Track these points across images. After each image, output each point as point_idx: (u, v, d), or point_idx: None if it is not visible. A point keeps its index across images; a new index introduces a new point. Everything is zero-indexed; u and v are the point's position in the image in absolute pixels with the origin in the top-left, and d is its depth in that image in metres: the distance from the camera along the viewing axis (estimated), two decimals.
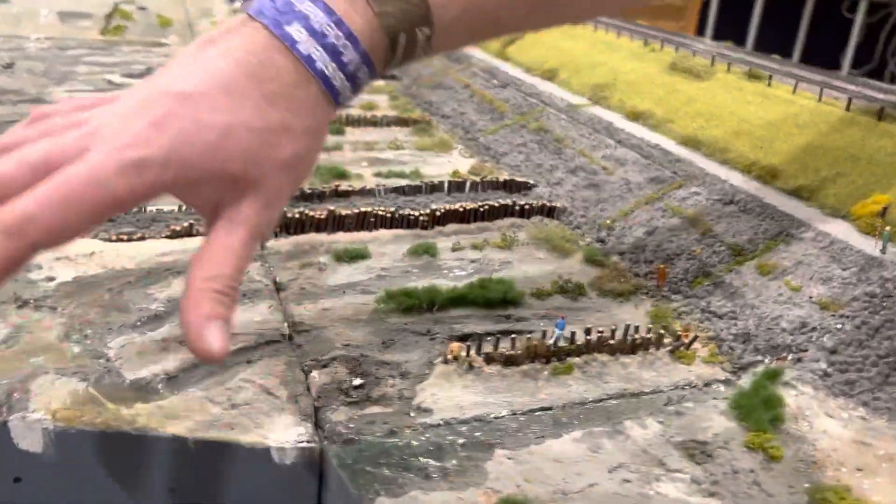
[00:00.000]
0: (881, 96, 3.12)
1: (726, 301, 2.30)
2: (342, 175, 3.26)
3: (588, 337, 1.98)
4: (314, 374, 1.78)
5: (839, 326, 1.68)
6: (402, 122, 4.23)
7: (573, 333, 1.95)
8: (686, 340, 1.95)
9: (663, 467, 1.49)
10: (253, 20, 0.54)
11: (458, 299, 2.05)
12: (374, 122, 4.26)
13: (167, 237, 2.50)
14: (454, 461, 1.27)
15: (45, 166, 0.47)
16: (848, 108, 3.22)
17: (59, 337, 1.83)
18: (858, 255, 1.94)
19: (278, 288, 2.18)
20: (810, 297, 2.19)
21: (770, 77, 3.71)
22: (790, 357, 2.05)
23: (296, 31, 0.54)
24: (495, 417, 1.59)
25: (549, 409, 1.74)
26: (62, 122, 0.52)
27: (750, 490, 1.31)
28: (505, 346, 1.87)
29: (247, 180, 0.55)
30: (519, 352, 1.85)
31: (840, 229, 2.44)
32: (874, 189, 2.82)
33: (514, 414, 1.69)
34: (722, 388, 1.93)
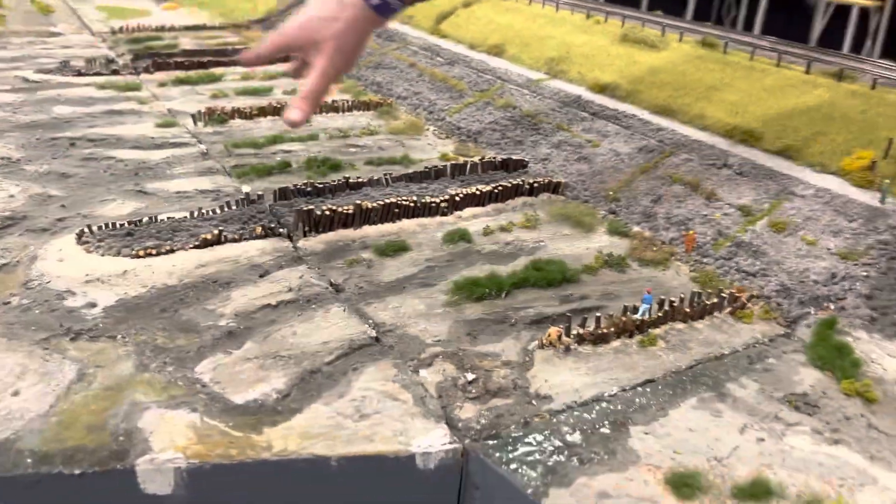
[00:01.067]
0: (836, 59, 3.39)
1: (753, 259, 2.45)
2: (337, 166, 3.16)
3: (665, 308, 2.07)
4: (423, 373, 1.74)
5: (865, 274, 1.83)
6: (363, 105, 4.14)
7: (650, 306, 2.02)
8: (743, 300, 2.07)
9: (782, 422, 1.58)
10: None
11: (520, 283, 2.06)
12: (335, 108, 4.13)
13: (197, 247, 2.33)
14: (601, 444, 1.31)
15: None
16: (807, 71, 3.42)
17: (137, 367, 1.69)
18: (861, 208, 2.13)
19: (337, 289, 2.10)
20: (829, 249, 2.38)
21: (726, 45, 3.91)
22: (833, 307, 2.20)
23: None
24: (610, 396, 1.62)
25: (653, 380, 1.80)
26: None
27: (869, 433, 1.43)
28: (589, 325, 1.92)
29: (321, 42, 1.05)
30: (608, 330, 1.89)
31: (835, 184, 2.66)
32: (854, 145, 3.09)
33: (625, 390, 1.74)
34: (786, 341, 2.05)
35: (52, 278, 2.27)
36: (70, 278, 2.18)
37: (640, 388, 1.96)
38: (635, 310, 2.32)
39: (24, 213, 2.83)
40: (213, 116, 4.58)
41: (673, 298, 2.40)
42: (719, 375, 2.05)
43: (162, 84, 5.22)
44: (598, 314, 2.24)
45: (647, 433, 1.74)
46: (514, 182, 3.23)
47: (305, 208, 2.79)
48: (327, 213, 2.76)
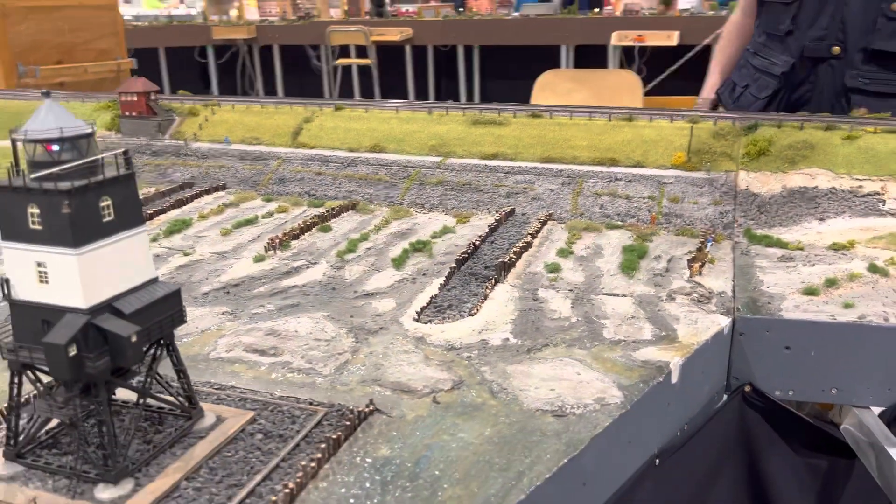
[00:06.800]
0: (624, 110, 5.52)
1: (680, 219, 4.47)
2: (428, 244, 3.97)
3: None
4: (678, 300, 3.29)
5: (731, 208, 3.51)
6: (342, 209, 4.86)
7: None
8: (711, 234, 4.00)
9: (801, 262, 3.48)
10: None
11: (637, 257, 3.68)
12: (324, 218, 4.73)
13: (483, 301, 3.14)
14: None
15: None
16: (610, 119, 5.40)
17: (608, 349, 2.75)
18: (701, 180, 3.96)
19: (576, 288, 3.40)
20: (707, 203, 4.56)
21: (550, 114, 5.89)
22: (737, 227, 4.21)
23: None
24: (738, 286, 3.22)
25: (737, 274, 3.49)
26: None
27: (816, 256, 3.41)
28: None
29: None
30: (705, 260, 3.66)
31: (678, 173, 4.86)
32: (669, 153, 5.38)
33: (734, 280, 3.44)
34: (741, 244, 3.93)
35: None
36: (466, 332, 2.33)
37: (737, 280, 3.59)
38: (703, 247, 3.73)
39: (344, 332, 2.63)
40: (283, 244, 4.53)
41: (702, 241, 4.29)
42: (752, 262, 3.83)
43: (154, 239, 4.69)
44: (692, 255, 3.90)
45: (774, 283, 3.39)
46: (540, 221, 4.28)
47: (507, 260, 3.39)
48: (509, 260, 3.48)
